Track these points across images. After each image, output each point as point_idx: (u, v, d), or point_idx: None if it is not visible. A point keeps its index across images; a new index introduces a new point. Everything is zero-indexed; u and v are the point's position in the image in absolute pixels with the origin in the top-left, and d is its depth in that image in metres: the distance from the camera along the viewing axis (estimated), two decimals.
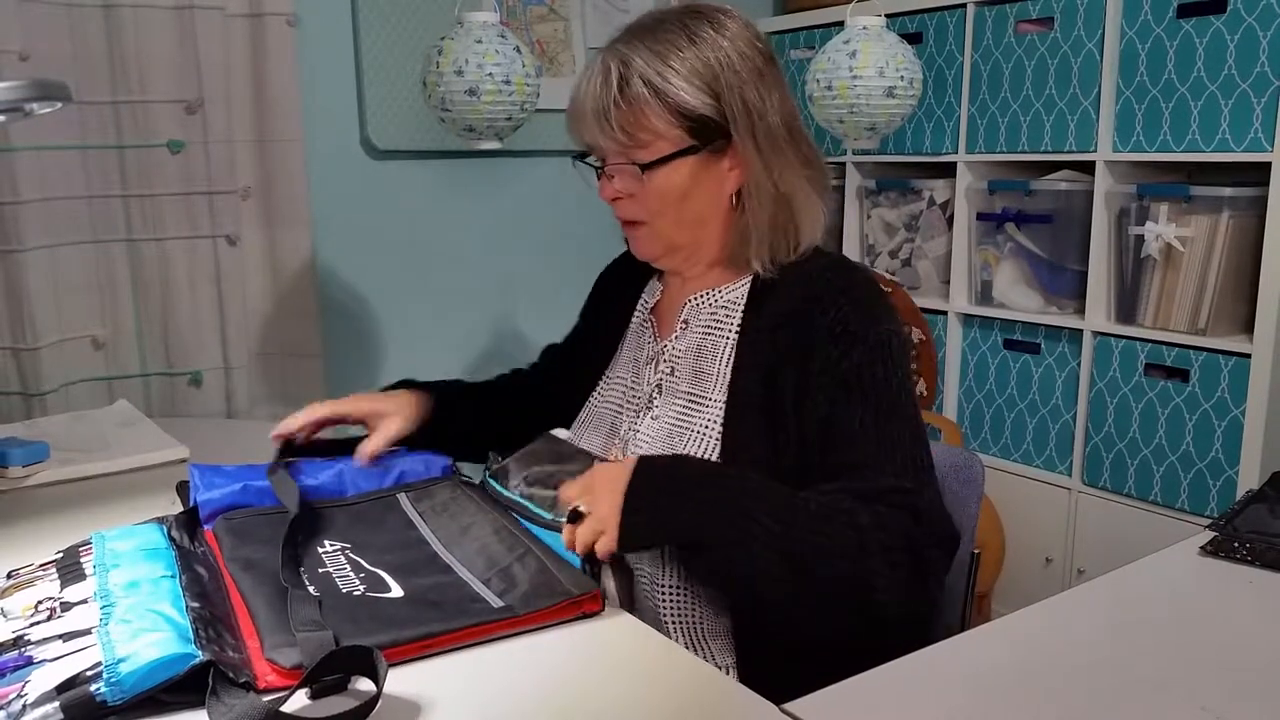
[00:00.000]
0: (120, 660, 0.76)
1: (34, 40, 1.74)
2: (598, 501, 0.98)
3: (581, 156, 1.18)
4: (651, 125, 1.09)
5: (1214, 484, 1.94)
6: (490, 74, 1.78)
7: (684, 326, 1.19)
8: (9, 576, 0.98)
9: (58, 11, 1.77)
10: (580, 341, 1.38)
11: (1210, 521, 1.19)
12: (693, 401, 1.14)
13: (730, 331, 1.14)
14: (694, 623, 1.07)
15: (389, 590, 0.96)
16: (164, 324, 1.94)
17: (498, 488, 1.18)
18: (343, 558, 1.03)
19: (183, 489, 1.23)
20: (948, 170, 2.37)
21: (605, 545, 0.97)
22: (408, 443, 1.28)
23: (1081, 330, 2.13)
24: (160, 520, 1.10)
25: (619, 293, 1.32)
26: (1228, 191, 1.91)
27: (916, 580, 0.98)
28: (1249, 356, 1.87)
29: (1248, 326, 1.90)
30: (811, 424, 1.05)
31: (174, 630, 0.82)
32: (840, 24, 2.07)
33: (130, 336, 1.93)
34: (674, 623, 1.07)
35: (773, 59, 1.14)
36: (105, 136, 1.85)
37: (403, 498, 1.19)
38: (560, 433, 1.23)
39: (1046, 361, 2.22)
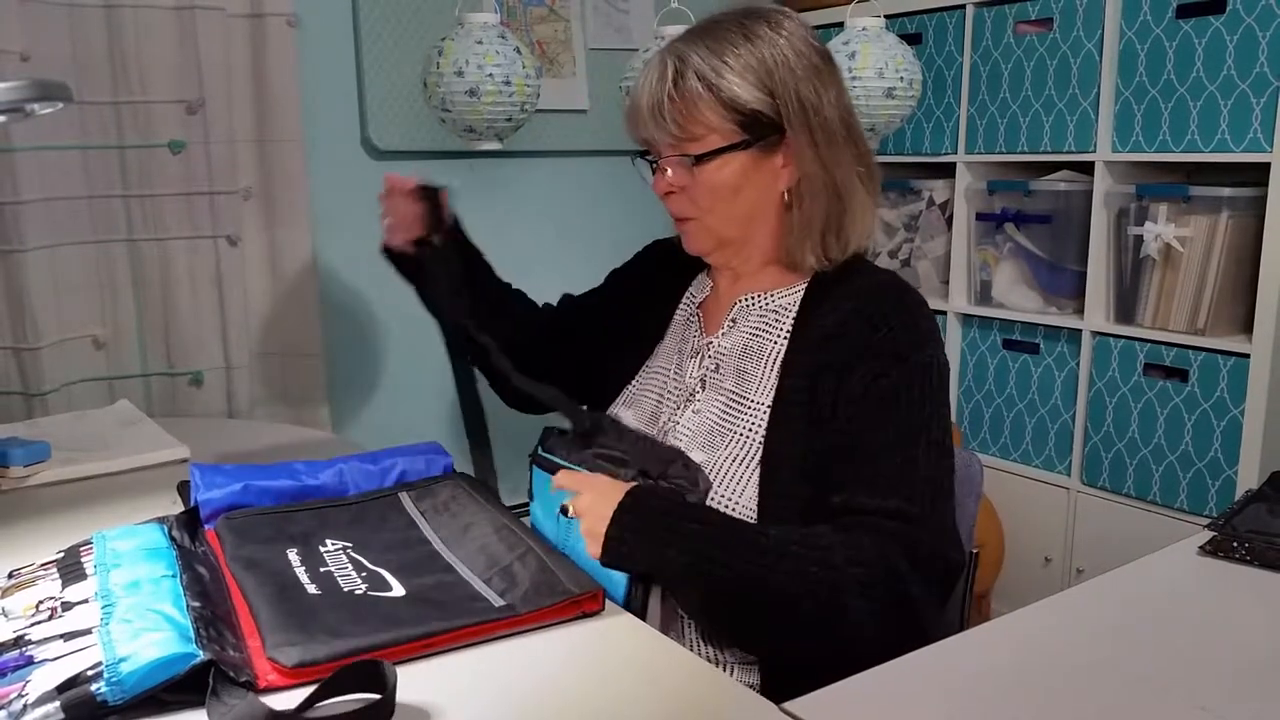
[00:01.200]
0: (121, 660, 0.76)
1: (35, 40, 1.74)
2: (587, 512, 1.01)
3: (640, 155, 1.21)
4: (704, 119, 1.11)
5: (1213, 484, 1.94)
6: (490, 75, 1.78)
7: (731, 325, 1.21)
8: (10, 576, 0.98)
9: (58, 12, 1.78)
10: (612, 312, 1.37)
11: (1209, 521, 1.19)
12: (735, 401, 1.15)
13: (780, 336, 1.16)
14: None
15: (390, 589, 0.96)
16: (165, 324, 1.94)
17: (552, 457, 1.19)
18: (344, 556, 1.03)
19: (184, 489, 1.23)
20: (947, 170, 2.37)
21: (589, 552, 1.00)
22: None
23: (1080, 330, 2.13)
24: (161, 520, 1.10)
25: (666, 279, 1.33)
26: (1227, 192, 1.91)
27: (897, 613, 0.99)
28: (1248, 356, 1.87)
29: (1246, 326, 1.90)
30: (840, 435, 1.07)
31: (175, 630, 0.82)
32: (840, 25, 2.07)
33: (131, 336, 1.93)
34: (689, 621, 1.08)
35: (829, 58, 1.17)
36: (106, 137, 1.85)
37: (404, 497, 1.20)
38: (619, 412, 1.26)
39: (1046, 361, 2.22)
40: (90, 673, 0.76)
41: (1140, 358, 2.03)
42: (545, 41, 2.39)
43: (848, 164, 1.15)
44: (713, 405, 1.17)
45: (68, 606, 0.89)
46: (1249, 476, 1.87)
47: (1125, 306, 2.07)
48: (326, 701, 0.78)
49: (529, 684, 0.83)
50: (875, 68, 1.95)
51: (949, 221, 2.39)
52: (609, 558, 0.99)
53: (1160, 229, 1.97)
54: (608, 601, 0.97)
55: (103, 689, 0.75)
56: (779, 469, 1.08)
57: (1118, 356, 2.07)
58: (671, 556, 0.98)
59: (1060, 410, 2.21)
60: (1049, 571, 2.22)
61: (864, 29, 2.00)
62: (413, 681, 0.81)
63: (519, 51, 1.82)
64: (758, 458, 1.10)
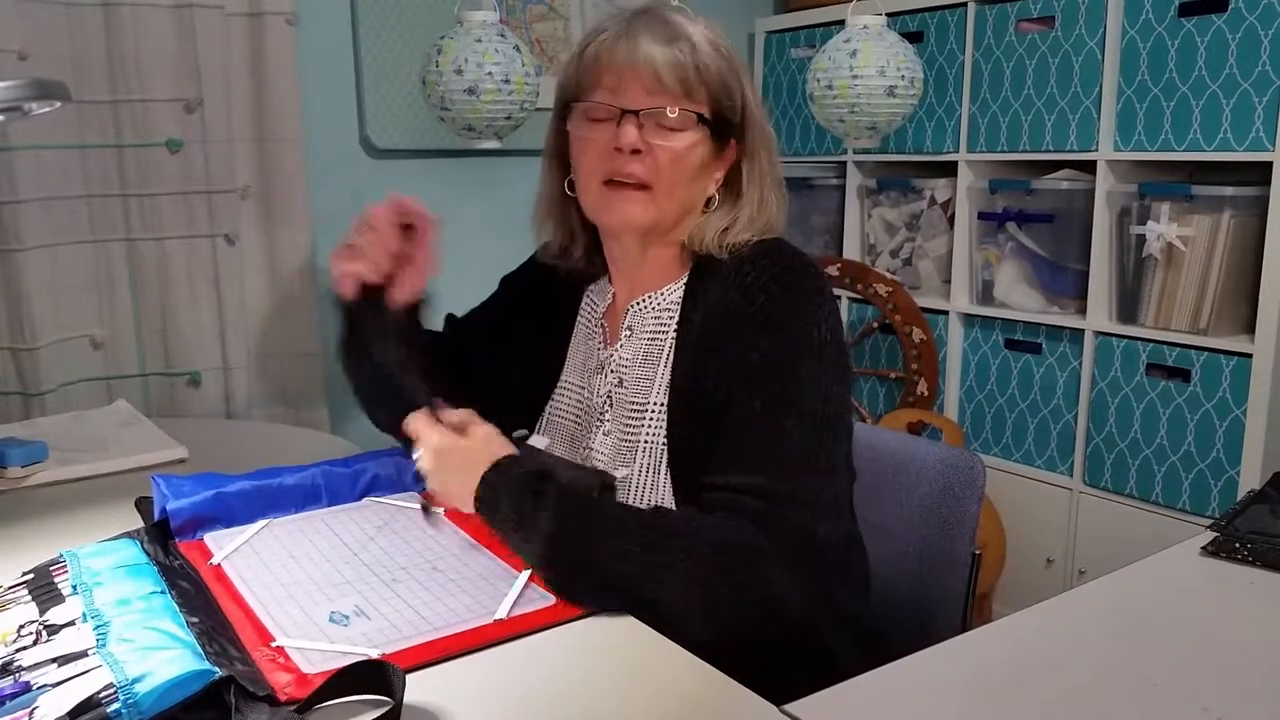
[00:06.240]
0: (135, 680, 0.74)
1: (33, 39, 1.74)
2: (448, 483, 1.01)
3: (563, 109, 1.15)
4: (703, 92, 1.08)
5: (1215, 484, 1.93)
6: (490, 73, 1.78)
7: (629, 333, 1.16)
8: None
9: (57, 11, 1.77)
10: (512, 327, 1.28)
11: (1211, 522, 1.19)
12: (636, 411, 1.12)
13: (670, 333, 1.12)
14: None
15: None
16: (163, 324, 1.94)
17: None
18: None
19: (143, 504, 1.21)
20: (949, 169, 2.37)
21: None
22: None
23: (1083, 330, 2.12)
24: (132, 534, 1.08)
25: (560, 291, 1.26)
26: (1229, 191, 1.91)
27: (759, 595, 0.94)
28: (1250, 356, 1.86)
29: (1249, 326, 1.90)
30: (715, 416, 1.03)
31: (185, 647, 0.80)
32: (841, 23, 2.06)
33: (129, 336, 1.92)
34: None
35: None
36: (104, 136, 1.85)
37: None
38: (537, 440, 1.20)
39: (1048, 361, 2.22)
40: (103, 695, 0.74)
41: (1142, 358, 2.02)
42: (544, 40, 2.38)
43: (778, 165, 1.15)
44: (618, 422, 1.13)
45: (53, 629, 0.86)
46: (1251, 477, 1.86)
47: (1127, 306, 2.07)
48: (332, 702, 0.77)
49: (532, 685, 0.82)
50: (876, 66, 1.94)
51: (950, 220, 2.38)
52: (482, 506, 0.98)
53: (1162, 228, 1.96)
54: None
55: (119, 710, 0.73)
56: (688, 468, 1.04)
57: (1120, 356, 2.06)
58: (527, 539, 0.96)
59: (1062, 410, 2.20)
60: (1051, 573, 2.21)
61: (865, 27, 2.00)
62: (410, 686, 0.81)
63: (518, 50, 1.82)
64: (664, 462, 1.07)
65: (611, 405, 1.15)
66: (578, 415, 1.19)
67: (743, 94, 1.11)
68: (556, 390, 1.23)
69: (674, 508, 1.05)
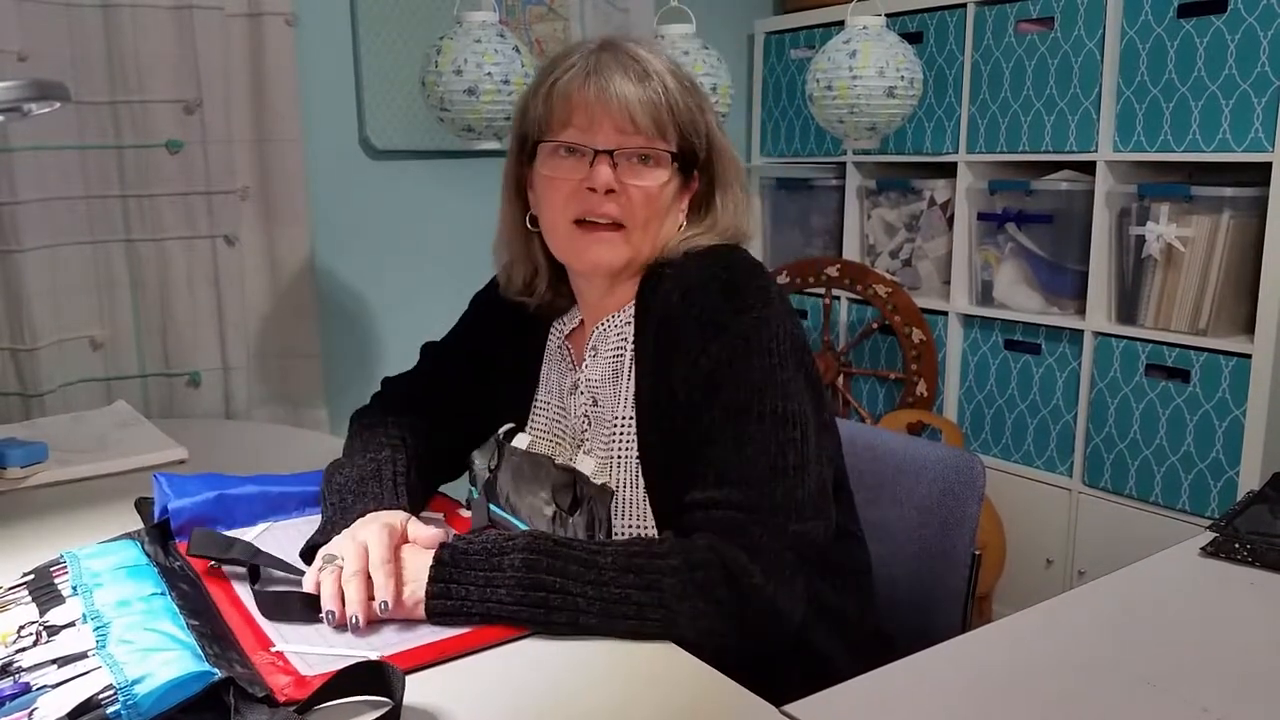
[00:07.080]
0: (135, 681, 0.74)
1: (32, 40, 1.74)
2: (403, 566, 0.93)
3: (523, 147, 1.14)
4: (673, 130, 1.08)
5: (1215, 485, 1.93)
6: (489, 73, 1.78)
7: (593, 354, 1.15)
8: None
9: (56, 11, 1.77)
10: (487, 350, 1.28)
11: (1211, 522, 1.19)
12: (609, 428, 1.11)
13: (629, 347, 1.11)
14: None
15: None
16: (162, 324, 1.94)
17: (497, 510, 1.17)
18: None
19: (142, 505, 1.20)
20: (948, 170, 2.37)
21: (405, 612, 0.91)
22: None
23: (1082, 331, 2.13)
24: (133, 536, 1.07)
25: (526, 310, 1.23)
26: (1228, 192, 1.91)
27: (746, 605, 0.92)
28: (1250, 357, 1.86)
29: (1249, 327, 1.90)
30: (678, 430, 1.02)
31: (184, 649, 0.80)
32: (840, 24, 2.06)
33: (129, 337, 1.92)
34: None
35: None
36: (104, 136, 1.85)
37: None
38: (521, 439, 1.19)
39: (1047, 362, 2.22)
40: (103, 697, 0.74)
41: (1142, 358, 2.02)
42: (544, 40, 2.39)
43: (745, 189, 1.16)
44: (598, 441, 1.12)
45: (53, 630, 0.85)
46: (1251, 477, 1.86)
47: (1127, 307, 2.07)
48: (332, 703, 0.77)
49: (532, 686, 0.82)
50: (876, 66, 1.94)
51: (950, 221, 2.38)
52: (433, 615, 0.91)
53: (1162, 229, 1.96)
54: None
55: (119, 711, 0.72)
56: (663, 480, 1.04)
57: (1119, 357, 2.06)
58: (501, 596, 0.90)
59: (1062, 411, 2.20)
60: (1051, 573, 2.22)
61: (865, 27, 2.00)
62: (415, 685, 0.81)
63: (518, 50, 1.82)
64: (639, 476, 1.06)
65: (590, 425, 1.14)
66: (557, 434, 1.18)
67: (707, 126, 1.11)
68: (534, 410, 1.22)
69: (653, 523, 1.05)
